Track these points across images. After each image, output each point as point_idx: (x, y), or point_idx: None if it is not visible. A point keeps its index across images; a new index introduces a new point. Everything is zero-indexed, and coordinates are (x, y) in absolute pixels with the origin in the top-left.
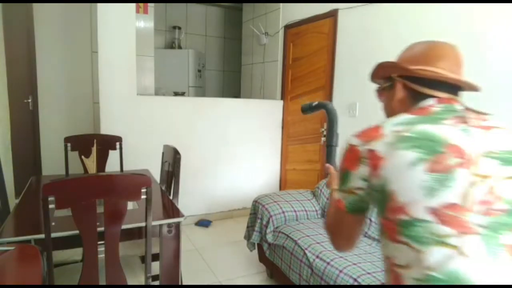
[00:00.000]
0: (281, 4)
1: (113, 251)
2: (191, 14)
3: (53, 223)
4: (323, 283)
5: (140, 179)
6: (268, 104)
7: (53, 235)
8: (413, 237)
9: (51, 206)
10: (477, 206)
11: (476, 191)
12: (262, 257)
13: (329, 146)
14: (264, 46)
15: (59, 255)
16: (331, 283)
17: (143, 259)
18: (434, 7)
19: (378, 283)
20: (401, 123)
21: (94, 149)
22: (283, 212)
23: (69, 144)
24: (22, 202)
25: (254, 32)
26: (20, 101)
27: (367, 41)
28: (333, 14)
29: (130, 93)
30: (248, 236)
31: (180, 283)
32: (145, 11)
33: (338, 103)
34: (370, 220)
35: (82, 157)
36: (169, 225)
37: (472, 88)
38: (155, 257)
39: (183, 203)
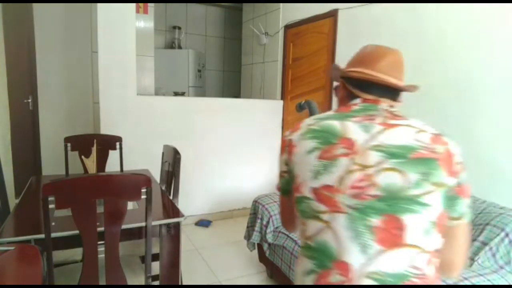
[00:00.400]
0: (281, 4)
1: (113, 251)
2: (191, 14)
3: (53, 223)
4: None
5: (140, 179)
6: (268, 104)
7: (53, 235)
8: (300, 211)
9: (51, 206)
10: (350, 190)
11: (352, 177)
12: (262, 257)
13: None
14: (264, 46)
15: (59, 255)
16: None
17: (143, 259)
18: (434, 7)
19: None
20: (317, 119)
21: (94, 149)
22: None
23: (69, 144)
24: (22, 202)
25: (254, 32)
26: (20, 101)
27: (367, 41)
28: (333, 14)
29: (130, 93)
30: (248, 236)
31: (180, 283)
32: (145, 11)
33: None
34: None
35: (82, 157)
36: (169, 225)
37: (408, 89)
38: (155, 257)
39: (183, 203)
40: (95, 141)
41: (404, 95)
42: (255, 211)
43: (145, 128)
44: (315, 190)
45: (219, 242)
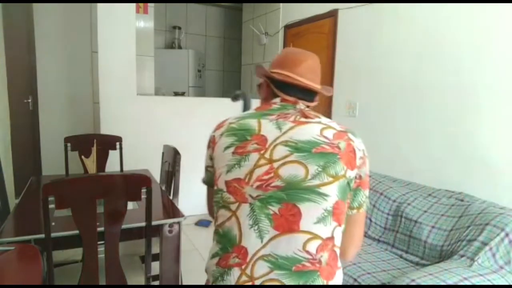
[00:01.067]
0: (281, 4)
1: (113, 251)
2: (191, 14)
3: (53, 223)
4: None
5: (140, 179)
6: None
7: (53, 235)
8: (215, 202)
9: (51, 206)
10: (256, 182)
11: (259, 170)
12: None
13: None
14: (264, 46)
15: (59, 255)
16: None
17: (143, 259)
18: (434, 7)
19: (378, 283)
20: (238, 117)
21: (94, 149)
22: None
23: (69, 144)
24: (22, 202)
25: (254, 32)
26: (20, 101)
27: (367, 41)
28: (333, 14)
29: (130, 93)
30: None
31: (180, 283)
32: (145, 11)
33: (338, 103)
34: (370, 220)
35: (82, 157)
36: (169, 225)
37: (324, 92)
38: (155, 257)
39: (183, 203)
40: (95, 141)
41: (403, 95)
42: None
43: (145, 128)
44: (227, 183)
45: None
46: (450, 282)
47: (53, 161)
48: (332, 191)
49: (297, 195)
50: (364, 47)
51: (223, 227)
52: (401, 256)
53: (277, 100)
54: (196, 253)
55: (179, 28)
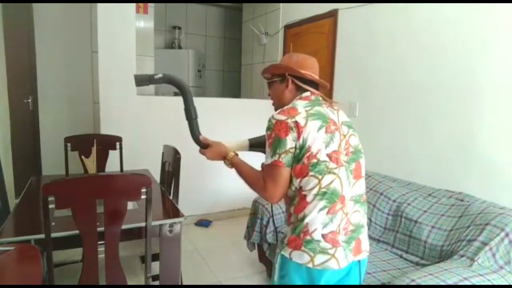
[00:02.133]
0: (281, 4)
1: (113, 251)
2: (191, 14)
3: (53, 223)
4: None
5: (140, 179)
6: (268, 104)
7: (53, 235)
8: (317, 171)
9: (51, 206)
10: (344, 151)
11: (343, 143)
12: (262, 257)
13: (191, 120)
14: (264, 46)
15: (59, 255)
16: None
17: (143, 259)
18: (434, 7)
19: (378, 283)
20: (305, 106)
21: (94, 149)
22: (283, 212)
23: (69, 144)
24: (22, 202)
25: (254, 32)
26: (20, 101)
27: (367, 41)
28: (333, 14)
29: (130, 93)
30: (248, 236)
31: (180, 283)
32: (145, 11)
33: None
34: (370, 220)
35: (82, 157)
36: (169, 225)
37: (324, 86)
38: (155, 257)
39: (183, 203)
40: (95, 141)
41: (403, 95)
42: (255, 211)
43: (145, 128)
44: (329, 155)
45: (219, 242)
46: (450, 282)
47: (53, 161)
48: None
49: (359, 155)
50: (364, 47)
51: (329, 187)
52: (401, 256)
53: (308, 94)
54: (196, 253)
55: (179, 28)
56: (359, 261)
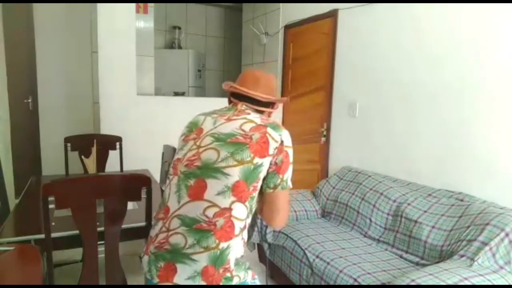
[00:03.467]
0: (281, 4)
1: (113, 251)
2: (191, 14)
3: (53, 223)
4: (323, 283)
5: (140, 179)
6: None
7: (53, 235)
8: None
9: (51, 206)
10: (186, 161)
11: (190, 153)
12: (262, 257)
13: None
14: (264, 46)
15: (59, 255)
16: (331, 283)
17: None
18: (433, 7)
19: (378, 283)
20: (198, 114)
21: (94, 149)
22: None
23: (69, 144)
24: (22, 202)
25: (254, 32)
26: (20, 101)
27: (367, 41)
28: (333, 14)
29: (130, 93)
30: (248, 236)
31: None
32: (145, 11)
33: (338, 103)
34: (370, 220)
35: (82, 157)
36: None
37: (277, 102)
38: None
39: None
40: (95, 141)
41: (403, 95)
42: (255, 211)
43: (145, 128)
44: (173, 161)
45: None
46: (450, 282)
47: (53, 161)
48: (235, 173)
49: (207, 173)
50: (364, 47)
51: (165, 193)
52: (401, 256)
53: (229, 105)
54: None
55: (179, 28)
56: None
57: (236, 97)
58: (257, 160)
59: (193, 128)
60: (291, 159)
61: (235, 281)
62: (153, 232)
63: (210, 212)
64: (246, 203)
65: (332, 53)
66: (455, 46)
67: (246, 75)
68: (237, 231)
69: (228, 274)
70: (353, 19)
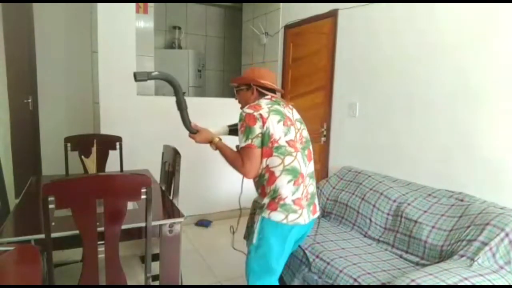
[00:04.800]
0: (281, 4)
1: (113, 251)
2: (191, 14)
3: (53, 223)
4: (323, 283)
5: (140, 179)
6: None
7: (53, 235)
8: (280, 153)
9: (51, 206)
10: (299, 140)
11: (298, 135)
12: None
13: (182, 110)
14: (264, 46)
15: (59, 255)
16: (331, 283)
17: (143, 259)
18: (433, 7)
19: (378, 283)
20: (267, 104)
21: (94, 149)
22: None
23: (69, 144)
24: (22, 202)
25: (254, 32)
26: (20, 101)
27: (367, 41)
28: (333, 14)
29: (130, 93)
30: (248, 236)
31: (180, 283)
32: (145, 11)
33: (338, 103)
34: (370, 220)
35: (82, 157)
36: (169, 225)
37: (280, 91)
38: (155, 257)
39: (183, 203)
40: (95, 141)
41: (403, 95)
42: (255, 211)
43: (145, 128)
44: (287, 141)
45: (219, 242)
46: (450, 282)
47: (53, 161)
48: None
49: (308, 144)
50: (364, 47)
51: (291, 165)
52: (401, 256)
53: (268, 97)
54: (196, 253)
55: (179, 28)
56: (313, 218)
57: (268, 90)
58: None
59: (284, 116)
60: None
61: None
62: (298, 194)
63: (313, 165)
64: None
65: (332, 53)
66: (455, 46)
67: (264, 72)
68: None
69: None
70: (353, 19)
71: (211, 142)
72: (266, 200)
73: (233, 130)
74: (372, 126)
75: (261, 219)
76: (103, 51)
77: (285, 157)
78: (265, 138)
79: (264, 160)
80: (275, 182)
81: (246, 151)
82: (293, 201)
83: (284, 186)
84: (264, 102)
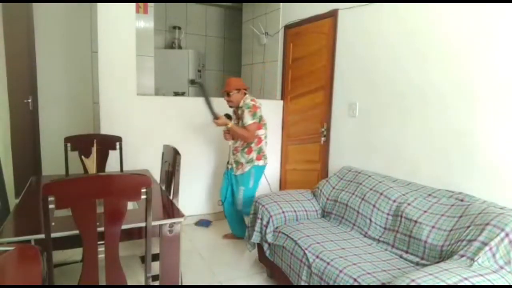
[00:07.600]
0: (281, 4)
1: (113, 251)
2: (191, 14)
3: (53, 223)
4: (323, 283)
5: (140, 179)
6: (268, 104)
7: (53, 235)
8: (265, 127)
9: (51, 206)
10: (265, 120)
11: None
12: (262, 257)
13: (210, 103)
14: (264, 46)
15: (59, 255)
16: (331, 283)
17: (143, 259)
18: (434, 7)
19: (378, 283)
20: (257, 100)
21: (94, 149)
22: (283, 212)
23: (69, 144)
24: (22, 202)
25: (254, 32)
26: (20, 101)
27: (367, 41)
28: (333, 14)
29: (130, 93)
30: (248, 236)
31: (180, 283)
32: (145, 11)
33: (338, 103)
34: (370, 220)
35: (82, 157)
36: (169, 225)
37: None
38: (155, 257)
39: (183, 203)
40: (95, 141)
41: (403, 95)
42: (255, 211)
43: (145, 128)
44: (265, 121)
45: (219, 242)
46: (450, 282)
47: (53, 161)
48: None
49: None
50: (364, 47)
51: (266, 134)
52: (401, 256)
53: (247, 94)
54: (196, 253)
55: (179, 28)
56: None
57: (244, 90)
58: None
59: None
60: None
61: None
62: (266, 149)
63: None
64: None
65: (332, 53)
66: (457, 45)
67: (241, 79)
68: None
69: None
70: (353, 19)
71: (226, 124)
72: (253, 155)
73: (228, 116)
74: (372, 126)
75: (253, 166)
76: (103, 51)
77: (266, 129)
78: (260, 118)
79: (257, 131)
80: (260, 143)
81: (253, 126)
82: (265, 153)
83: (264, 145)
84: (251, 97)
